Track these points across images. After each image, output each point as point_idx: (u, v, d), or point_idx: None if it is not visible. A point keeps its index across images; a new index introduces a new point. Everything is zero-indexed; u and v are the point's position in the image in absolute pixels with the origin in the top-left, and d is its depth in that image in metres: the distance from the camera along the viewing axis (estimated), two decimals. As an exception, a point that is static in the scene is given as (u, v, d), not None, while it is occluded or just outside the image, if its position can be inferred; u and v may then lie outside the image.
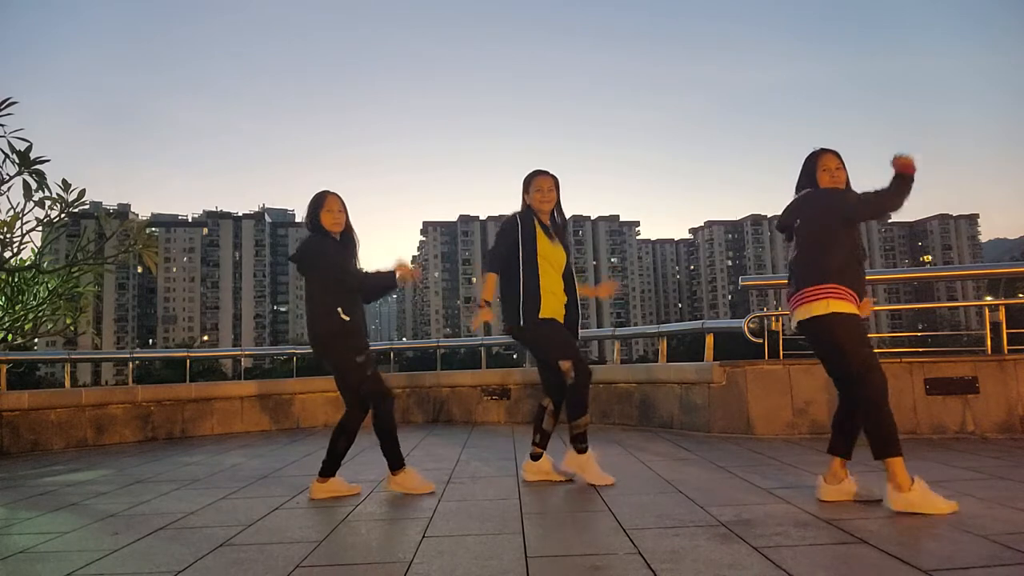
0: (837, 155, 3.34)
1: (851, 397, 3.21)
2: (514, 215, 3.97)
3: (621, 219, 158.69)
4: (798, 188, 3.42)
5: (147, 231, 7.27)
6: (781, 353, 6.01)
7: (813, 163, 3.35)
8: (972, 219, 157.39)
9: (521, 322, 3.84)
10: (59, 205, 6.32)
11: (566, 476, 3.95)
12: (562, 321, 3.92)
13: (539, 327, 3.85)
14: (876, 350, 3.27)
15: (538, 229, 3.90)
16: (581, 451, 3.86)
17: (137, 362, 10.68)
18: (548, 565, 2.46)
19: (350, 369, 3.79)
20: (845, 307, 3.14)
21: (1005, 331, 5.67)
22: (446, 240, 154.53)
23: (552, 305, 3.86)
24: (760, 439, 5.41)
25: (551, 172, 4.01)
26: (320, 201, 3.86)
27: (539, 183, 3.96)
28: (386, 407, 3.80)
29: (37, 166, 6.05)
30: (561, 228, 4.03)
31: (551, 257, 3.90)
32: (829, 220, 3.26)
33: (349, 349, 3.77)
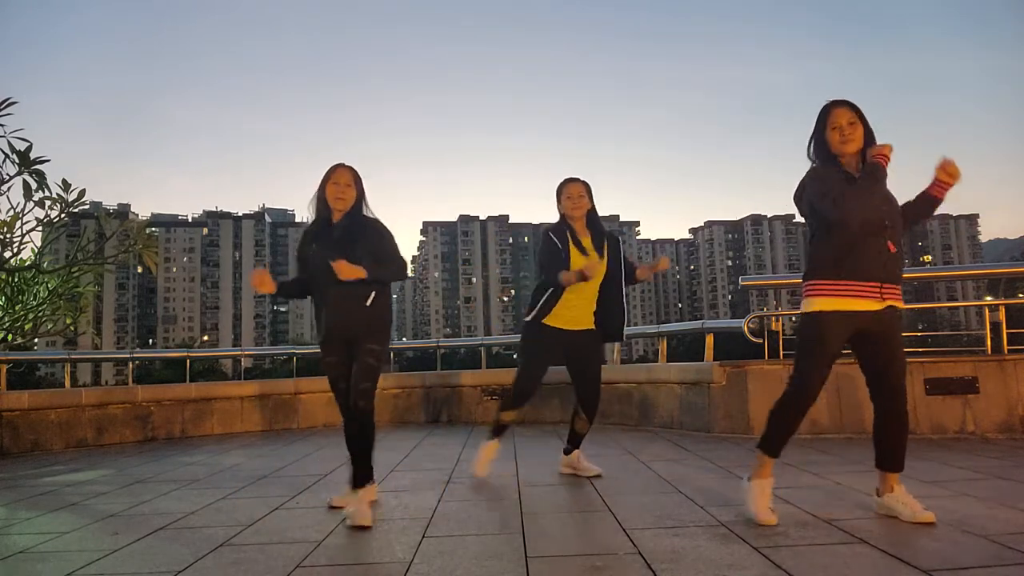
0: (851, 107, 2.89)
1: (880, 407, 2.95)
2: (546, 231, 4.11)
3: (621, 219, 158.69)
4: (808, 151, 3.02)
5: (147, 231, 7.29)
6: (781, 353, 6.01)
7: (822, 122, 2.93)
8: (972, 219, 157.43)
9: (529, 317, 4.03)
10: (59, 205, 6.34)
11: (593, 472, 4.08)
12: (590, 326, 4.02)
13: (533, 331, 4.01)
14: None
15: (572, 246, 3.99)
16: (490, 438, 4.18)
17: (137, 362, 10.69)
18: (548, 565, 2.46)
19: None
20: (830, 304, 2.83)
21: (1005, 331, 5.68)
22: (446, 240, 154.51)
23: (564, 316, 3.98)
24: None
25: (581, 178, 4.13)
26: (327, 174, 3.52)
27: (569, 190, 4.07)
28: (344, 420, 3.48)
29: (37, 166, 6.07)
30: (602, 235, 4.09)
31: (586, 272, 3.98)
32: (816, 205, 2.90)
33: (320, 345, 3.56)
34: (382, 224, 3.54)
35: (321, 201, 3.49)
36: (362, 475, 3.35)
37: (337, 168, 3.49)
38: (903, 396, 2.88)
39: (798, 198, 3.00)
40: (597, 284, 4.01)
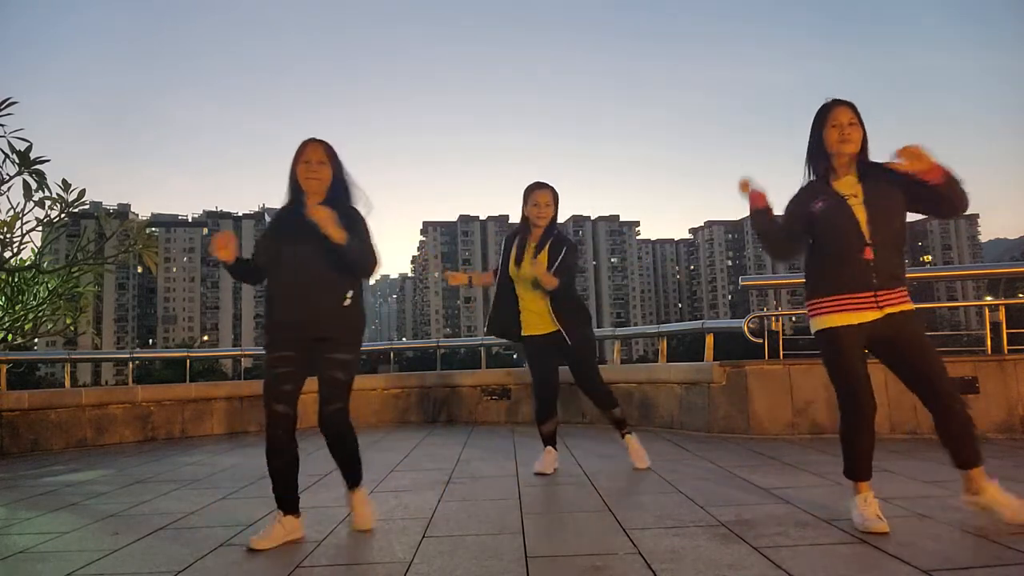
0: (851, 107, 2.82)
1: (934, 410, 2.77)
2: (506, 237, 4.27)
3: (621, 219, 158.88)
4: (807, 153, 2.92)
5: (147, 231, 7.29)
6: (781, 353, 6.00)
7: (821, 118, 2.85)
8: (972, 219, 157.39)
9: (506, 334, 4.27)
10: (59, 205, 6.33)
11: (642, 465, 4.19)
12: (554, 328, 4.09)
13: (524, 345, 4.23)
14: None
15: (512, 255, 4.14)
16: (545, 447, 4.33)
17: (137, 362, 10.67)
18: (548, 565, 2.46)
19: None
20: (828, 322, 2.79)
21: (1005, 331, 5.67)
22: (446, 240, 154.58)
23: (530, 322, 4.14)
24: (760, 439, 5.41)
25: (550, 185, 4.14)
26: (297, 152, 2.99)
27: (536, 197, 4.11)
28: (268, 433, 2.91)
29: (37, 166, 6.06)
30: (555, 240, 4.11)
31: (519, 277, 4.12)
32: (799, 215, 2.90)
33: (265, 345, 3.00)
34: (358, 212, 3.04)
35: (293, 183, 3.01)
36: (355, 476, 3.07)
37: (307, 144, 2.99)
38: (947, 395, 2.70)
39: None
40: (540, 295, 4.07)
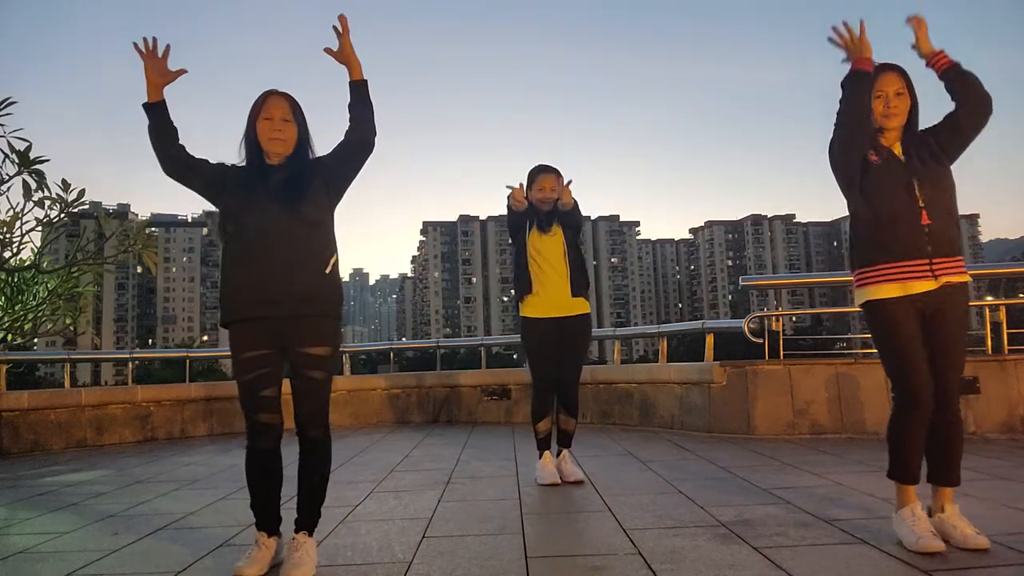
0: (901, 73, 2.56)
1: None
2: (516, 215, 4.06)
3: (621, 219, 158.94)
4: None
5: (147, 231, 7.28)
6: (781, 353, 6.01)
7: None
8: (972, 219, 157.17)
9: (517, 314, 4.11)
10: (59, 205, 6.32)
11: (574, 478, 3.93)
12: (572, 312, 3.94)
13: (522, 328, 4.05)
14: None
15: (533, 225, 3.97)
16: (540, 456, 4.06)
17: (137, 362, 10.68)
18: (548, 565, 2.46)
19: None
20: (878, 292, 2.50)
21: (1005, 331, 5.68)
22: (446, 240, 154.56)
23: (535, 304, 3.95)
24: (760, 439, 5.41)
25: (554, 169, 4.03)
26: (255, 107, 2.55)
27: (541, 183, 4.00)
28: (250, 443, 2.64)
29: (37, 166, 6.05)
30: (565, 214, 3.96)
31: (542, 248, 3.96)
32: (840, 181, 2.64)
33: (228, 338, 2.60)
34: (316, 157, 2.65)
35: (251, 143, 2.56)
36: (314, 516, 2.63)
37: (268, 97, 2.54)
38: (954, 397, 2.51)
39: (832, 163, 2.66)
40: (561, 256, 3.94)
